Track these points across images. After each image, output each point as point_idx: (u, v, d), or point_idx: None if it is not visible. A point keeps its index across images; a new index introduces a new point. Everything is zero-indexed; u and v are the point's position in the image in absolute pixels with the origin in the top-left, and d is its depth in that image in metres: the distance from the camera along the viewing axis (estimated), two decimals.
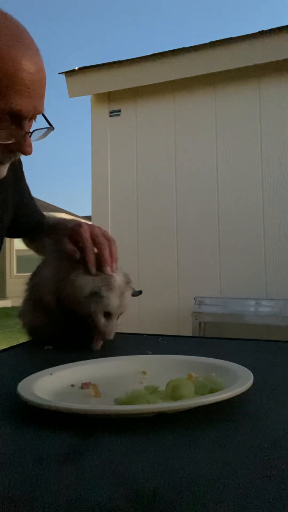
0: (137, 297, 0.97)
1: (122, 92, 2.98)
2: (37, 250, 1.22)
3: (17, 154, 0.85)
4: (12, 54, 0.73)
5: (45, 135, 0.87)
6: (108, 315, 0.88)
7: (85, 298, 0.87)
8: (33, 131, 0.83)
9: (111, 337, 0.89)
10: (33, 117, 0.82)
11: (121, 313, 0.91)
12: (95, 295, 0.87)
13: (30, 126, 0.83)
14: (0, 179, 0.93)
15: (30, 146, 0.83)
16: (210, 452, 0.40)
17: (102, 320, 0.88)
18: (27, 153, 0.83)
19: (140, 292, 0.96)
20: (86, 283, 0.88)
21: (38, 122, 0.86)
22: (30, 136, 0.82)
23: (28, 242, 1.27)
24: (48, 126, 0.86)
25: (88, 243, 0.89)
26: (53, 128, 0.87)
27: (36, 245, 1.23)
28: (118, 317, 0.91)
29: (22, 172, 1.16)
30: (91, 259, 0.88)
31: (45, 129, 0.86)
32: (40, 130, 0.86)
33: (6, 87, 0.74)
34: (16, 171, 1.10)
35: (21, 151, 0.82)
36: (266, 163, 2.70)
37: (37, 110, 0.81)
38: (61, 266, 0.94)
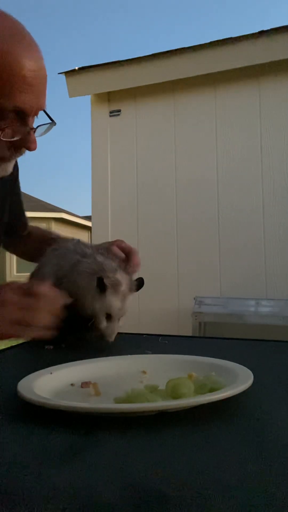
0: (137, 297, 0.98)
1: (122, 92, 2.98)
2: (21, 254, 1.28)
3: (23, 151, 0.87)
4: (14, 53, 0.75)
5: (47, 130, 0.89)
6: (109, 317, 0.89)
7: (88, 297, 0.88)
8: (37, 127, 0.85)
9: (112, 339, 0.89)
10: (35, 114, 0.84)
11: (122, 316, 0.92)
12: (99, 295, 0.87)
13: (33, 122, 0.85)
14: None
15: (35, 142, 0.85)
16: (210, 451, 0.40)
17: (104, 322, 0.88)
18: (31, 148, 0.85)
19: (142, 282, 0.96)
20: (90, 282, 0.88)
21: (39, 118, 0.87)
22: (34, 132, 0.84)
23: (9, 244, 1.29)
24: (50, 121, 0.88)
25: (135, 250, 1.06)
26: (55, 123, 0.88)
27: (21, 248, 1.29)
28: (119, 320, 0.91)
29: (17, 173, 1.18)
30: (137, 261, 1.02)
31: (48, 125, 0.88)
32: (42, 126, 0.87)
33: (10, 86, 0.76)
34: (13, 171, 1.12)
35: (26, 147, 0.84)
36: (266, 163, 2.70)
37: (40, 106, 0.83)
38: (61, 264, 0.94)
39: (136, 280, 0.96)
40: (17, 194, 1.19)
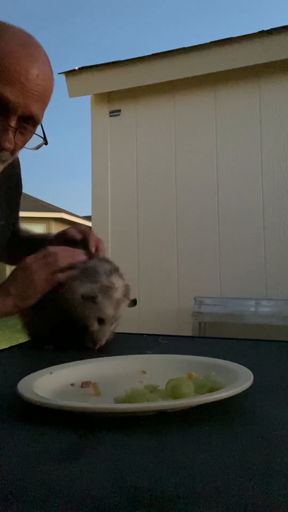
0: (137, 297, 0.97)
1: (122, 92, 2.98)
2: (9, 260, 1.23)
3: (3, 154, 0.84)
4: (18, 55, 0.77)
5: (37, 147, 0.88)
6: (101, 321, 0.88)
7: (79, 300, 0.87)
8: (19, 130, 0.82)
9: (103, 342, 0.89)
10: (22, 114, 0.81)
11: (115, 322, 0.91)
12: (91, 299, 0.87)
13: (22, 127, 0.83)
14: None
15: (12, 142, 0.81)
16: (209, 450, 0.40)
17: (95, 325, 0.88)
18: (5, 147, 0.81)
19: (135, 302, 0.96)
20: (82, 285, 0.87)
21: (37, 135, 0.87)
22: (15, 133, 0.81)
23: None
24: (42, 138, 0.87)
25: (93, 233, 1.03)
26: (46, 143, 0.88)
27: (15, 255, 1.24)
28: (111, 324, 0.90)
29: (19, 184, 1.16)
30: (93, 243, 0.99)
31: (39, 140, 0.87)
32: (34, 141, 0.87)
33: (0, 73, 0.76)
34: (12, 179, 1.11)
35: (1, 143, 0.81)
36: (266, 163, 2.70)
37: (29, 111, 0.81)
38: None
39: (131, 300, 0.95)
40: (17, 199, 1.17)
